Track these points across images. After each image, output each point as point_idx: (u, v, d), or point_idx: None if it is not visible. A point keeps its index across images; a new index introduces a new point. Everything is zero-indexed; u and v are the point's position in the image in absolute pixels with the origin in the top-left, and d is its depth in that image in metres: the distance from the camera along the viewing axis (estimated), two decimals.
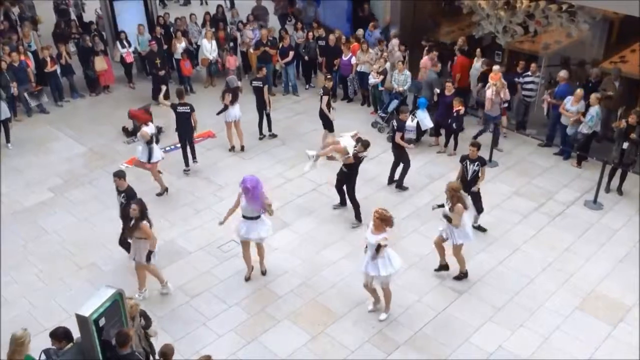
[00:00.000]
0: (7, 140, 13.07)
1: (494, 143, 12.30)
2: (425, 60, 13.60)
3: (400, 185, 11.41)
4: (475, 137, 11.83)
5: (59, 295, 8.96)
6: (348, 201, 10.58)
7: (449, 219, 8.65)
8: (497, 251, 9.82)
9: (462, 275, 9.18)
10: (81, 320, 6.34)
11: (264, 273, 9.32)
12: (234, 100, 12.31)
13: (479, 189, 9.89)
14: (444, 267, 9.29)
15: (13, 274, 9.40)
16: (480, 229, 10.16)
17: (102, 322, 6.44)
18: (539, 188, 11.47)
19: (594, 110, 11.48)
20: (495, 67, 12.56)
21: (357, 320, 8.49)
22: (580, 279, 9.22)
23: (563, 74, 12.37)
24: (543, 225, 10.45)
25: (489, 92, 12.34)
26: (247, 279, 9.21)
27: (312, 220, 10.62)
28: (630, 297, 8.83)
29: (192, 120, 11.66)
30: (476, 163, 9.80)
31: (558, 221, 10.56)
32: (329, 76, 13.15)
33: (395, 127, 11.29)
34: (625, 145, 10.83)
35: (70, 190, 11.59)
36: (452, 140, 12.67)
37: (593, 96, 11.54)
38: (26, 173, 12.17)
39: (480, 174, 9.81)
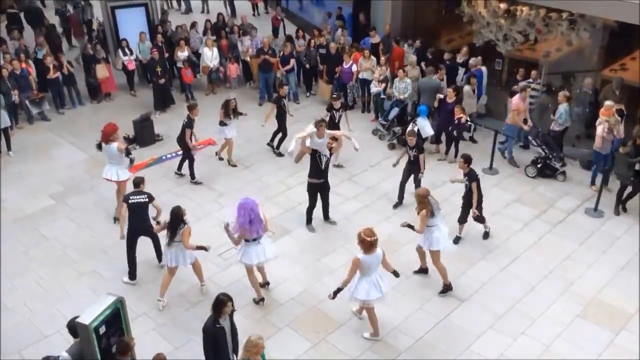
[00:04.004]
0: (8, 148, 13.09)
1: (604, 183, 11.01)
2: (518, 101, 12.06)
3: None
4: (602, 184, 10.93)
5: (60, 302, 8.95)
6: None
7: (410, 226, 8.60)
8: (498, 258, 9.81)
9: (446, 289, 9.02)
10: (81, 327, 6.34)
11: (268, 284, 9.23)
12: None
13: (475, 214, 9.74)
14: (423, 270, 9.34)
15: (14, 281, 9.39)
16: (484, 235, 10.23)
17: (102, 329, 6.44)
18: (540, 195, 11.47)
19: (563, 107, 11.90)
20: (608, 103, 11.25)
21: (359, 328, 8.47)
22: (581, 286, 9.20)
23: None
24: (544, 232, 10.45)
25: (600, 129, 11.09)
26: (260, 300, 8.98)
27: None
28: (632, 305, 8.81)
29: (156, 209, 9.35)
30: (466, 178, 9.64)
31: (559, 229, 10.56)
32: (334, 95, 12.69)
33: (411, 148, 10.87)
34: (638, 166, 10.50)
35: (72, 197, 11.60)
36: (452, 148, 12.68)
37: (561, 94, 11.99)
38: (27, 180, 12.18)
39: (472, 191, 9.52)
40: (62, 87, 14.99)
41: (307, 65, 15.64)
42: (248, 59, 15.87)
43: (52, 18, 19.09)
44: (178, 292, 9.14)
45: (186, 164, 11.99)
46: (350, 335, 8.37)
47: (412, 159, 10.84)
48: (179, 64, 15.46)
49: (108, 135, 10.29)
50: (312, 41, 15.65)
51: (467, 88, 12.94)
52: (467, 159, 9.63)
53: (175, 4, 23.35)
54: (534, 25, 13.29)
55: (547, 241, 10.24)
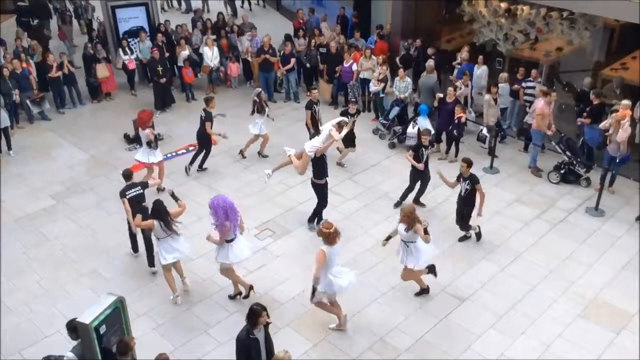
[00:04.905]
0: (9, 148, 13.10)
1: (610, 183, 11.16)
2: (542, 106, 11.65)
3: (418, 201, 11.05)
4: (602, 183, 10.89)
5: (60, 302, 8.96)
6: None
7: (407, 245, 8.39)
8: (499, 258, 9.80)
9: (422, 292, 8.95)
10: (82, 327, 6.34)
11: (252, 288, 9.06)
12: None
13: (479, 215, 9.76)
14: (424, 290, 8.98)
15: (14, 281, 9.40)
16: (477, 236, 10.12)
17: (102, 329, 6.44)
18: (540, 195, 11.47)
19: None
20: (625, 102, 10.86)
21: (359, 328, 8.47)
22: (582, 286, 9.19)
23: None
24: (545, 232, 10.44)
25: (625, 135, 10.70)
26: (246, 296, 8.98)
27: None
28: (633, 304, 8.80)
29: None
30: (467, 182, 9.59)
31: (560, 228, 10.55)
32: (353, 100, 12.88)
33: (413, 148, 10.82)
34: None
35: (72, 197, 11.60)
36: (453, 147, 12.68)
37: (538, 89, 12.05)
38: (28, 180, 12.18)
39: (478, 194, 9.51)
40: (63, 87, 14.99)
41: (308, 65, 15.63)
42: (249, 57, 15.86)
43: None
44: (178, 291, 9.12)
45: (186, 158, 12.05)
46: (351, 335, 8.36)
47: (425, 159, 10.67)
48: (180, 63, 15.46)
49: (144, 122, 11.03)
50: (313, 41, 15.65)
51: (487, 97, 12.53)
52: (470, 163, 9.57)
53: (175, 3, 23.34)
54: (534, 25, 13.28)
55: (548, 241, 10.23)
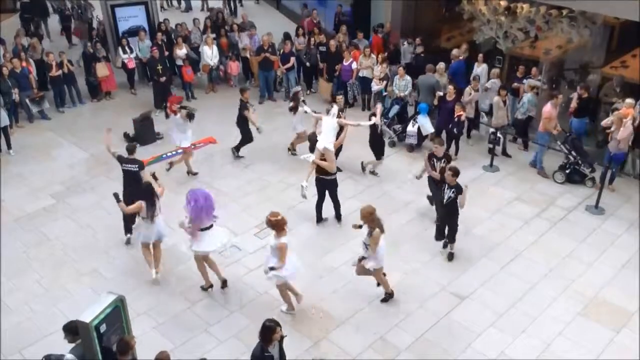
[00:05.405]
0: (9, 147, 13.09)
1: (610, 181, 11.27)
2: (550, 109, 11.55)
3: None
4: (602, 181, 10.93)
5: (61, 301, 8.96)
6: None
7: (359, 227, 8.42)
8: (499, 257, 9.80)
9: (387, 297, 8.84)
10: (82, 326, 6.34)
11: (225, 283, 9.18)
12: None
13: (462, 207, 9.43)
14: (389, 295, 8.85)
15: (14, 281, 9.40)
16: (449, 256, 9.73)
17: (103, 328, 6.44)
18: (540, 193, 11.46)
19: (526, 97, 12.43)
20: (629, 101, 10.88)
21: (359, 326, 8.48)
22: (582, 284, 9.19)
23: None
24: (545, 230, 10.44)
25: (627, 133, 10.73)
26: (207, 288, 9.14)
27: (313, 225, 10.61)
28: (633, 303, 8.80)
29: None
30: (452, 190, 9.14)
31: (560, 227, 10.54)
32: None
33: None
34: None
35: (72, 196, 11.61)
36: (453, 146, 12.67)
37: (527, 83, 12.57)
38: (28, 179, 12.18)
39: (459, 202, 9.17)
40: (63, 87, 14.98)
41: (308, 64, 15.63)
42: (248, 55, 15.86)
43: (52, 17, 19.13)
44: (178, 290, 9.15)
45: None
46: (351, 333, 8.37)
47: (440, 170, 9.92)
48: (179, 62, 15.45)
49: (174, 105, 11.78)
50: (312, 39, 15.64)
51: (496, 99, 12.43)
52: (456, 172, 9.07)
53: (175, 2, 23.32)
54: (534, 23, 13.28)
55: (548, 239, 10.23)
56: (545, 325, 8.46)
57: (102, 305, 6.53)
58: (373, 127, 11.51)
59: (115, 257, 9.86)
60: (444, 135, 12.76)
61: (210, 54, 15.52)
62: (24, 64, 14.20)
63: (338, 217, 10.55)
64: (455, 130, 12.38)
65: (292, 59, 15.24)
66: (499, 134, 12.34)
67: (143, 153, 12.46)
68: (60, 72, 14.62)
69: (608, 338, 8.23)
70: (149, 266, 9.19)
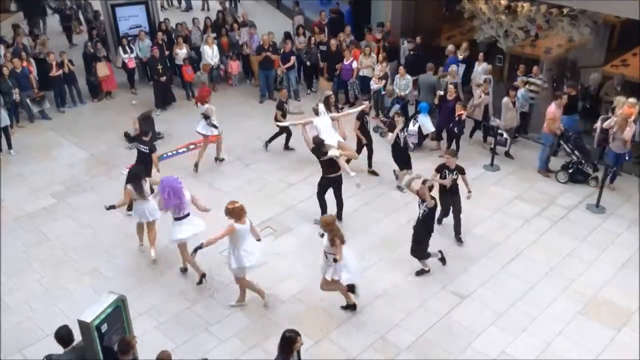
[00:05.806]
0: (9, 147, 13.10)
1: (611, 180, 11.26)
2: (555, 110, 11.44)
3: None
4: (604, 180, 10.84)
5: (61, 301, 8.96)
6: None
7: (334, 259, 7.94)
8: (499, 256, 9.80)
9: (348, 307, 8.62)
10: (83, 326, 6.34)
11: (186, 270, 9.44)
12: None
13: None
14: (351, 306, 8.62)
15: (15, 280, 9.41)
16: (421, 272, 9.34)
17: (104, 328, 6.45)
18: (541, 192, 11.46)
19: (520, 93, 12.49)
20: (632, 100, 10.80)
21: (360, 326, 8.47)
22: (582, 283, 9.19)
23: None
24: (545, 230, 10.43)
25: (630, 133, 10.72)
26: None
27: (313, 225, 10.60)
28: (633, 302, 8.79)
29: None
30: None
31: (560, 226, 10.54)
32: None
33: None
34: None
35: (73, 196, 11.61)
36: (453, 144, 12.66)
37: (520, 80, 12.69)
38: (28, 179, 12.18)
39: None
40: (64, 86, 14.98)
41: (308, 63, 15.62)
42: (248, 51, 15.85)
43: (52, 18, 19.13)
44: (179, 289, 9.16)
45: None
46: (352, 332, 8.37)
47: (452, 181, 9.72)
48: (179, 62, 15.45)
49: (204, 97, 12.19)
50: (313, 38, 15.63)
51: (505, 100, 12.32)
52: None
53: (175, 2, 23.32)
54: (534, 22, 13.28)
55: (548, 238, 10.22)
56: (545, 324, 8.46)
57: (103, 305, 6.53)
58: (396, 142, 11.18)
59: (116, 257, 9.87)
60: (444, 134, 12.84)
61: (210, 54, 15.52)
62: (24, 63, 14.21)
63: (339, 216, 10.56)
64: (455, 129, 12.38)
65: (293, 58, 15.24)
66: (505, 136, 12.32)
67: None
68: (60, 71, 14.63)
69: (608, 337, 8.23)
70: (139, 240, 9.84)
